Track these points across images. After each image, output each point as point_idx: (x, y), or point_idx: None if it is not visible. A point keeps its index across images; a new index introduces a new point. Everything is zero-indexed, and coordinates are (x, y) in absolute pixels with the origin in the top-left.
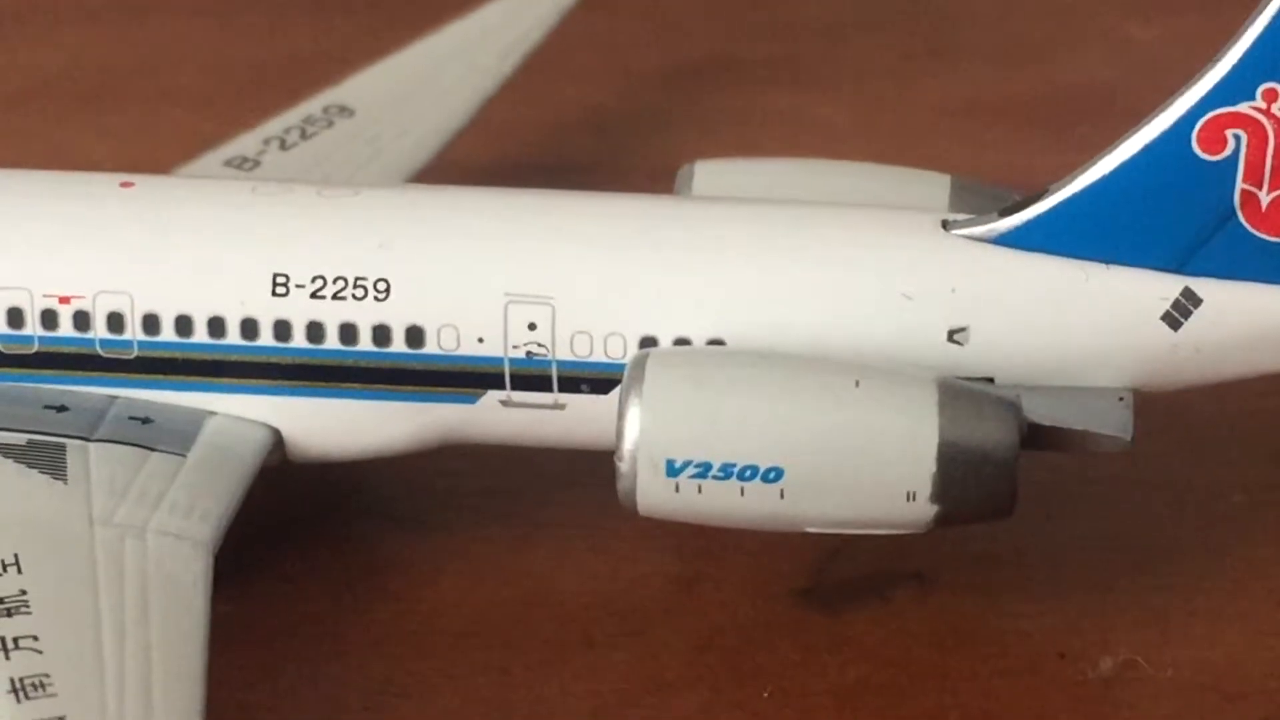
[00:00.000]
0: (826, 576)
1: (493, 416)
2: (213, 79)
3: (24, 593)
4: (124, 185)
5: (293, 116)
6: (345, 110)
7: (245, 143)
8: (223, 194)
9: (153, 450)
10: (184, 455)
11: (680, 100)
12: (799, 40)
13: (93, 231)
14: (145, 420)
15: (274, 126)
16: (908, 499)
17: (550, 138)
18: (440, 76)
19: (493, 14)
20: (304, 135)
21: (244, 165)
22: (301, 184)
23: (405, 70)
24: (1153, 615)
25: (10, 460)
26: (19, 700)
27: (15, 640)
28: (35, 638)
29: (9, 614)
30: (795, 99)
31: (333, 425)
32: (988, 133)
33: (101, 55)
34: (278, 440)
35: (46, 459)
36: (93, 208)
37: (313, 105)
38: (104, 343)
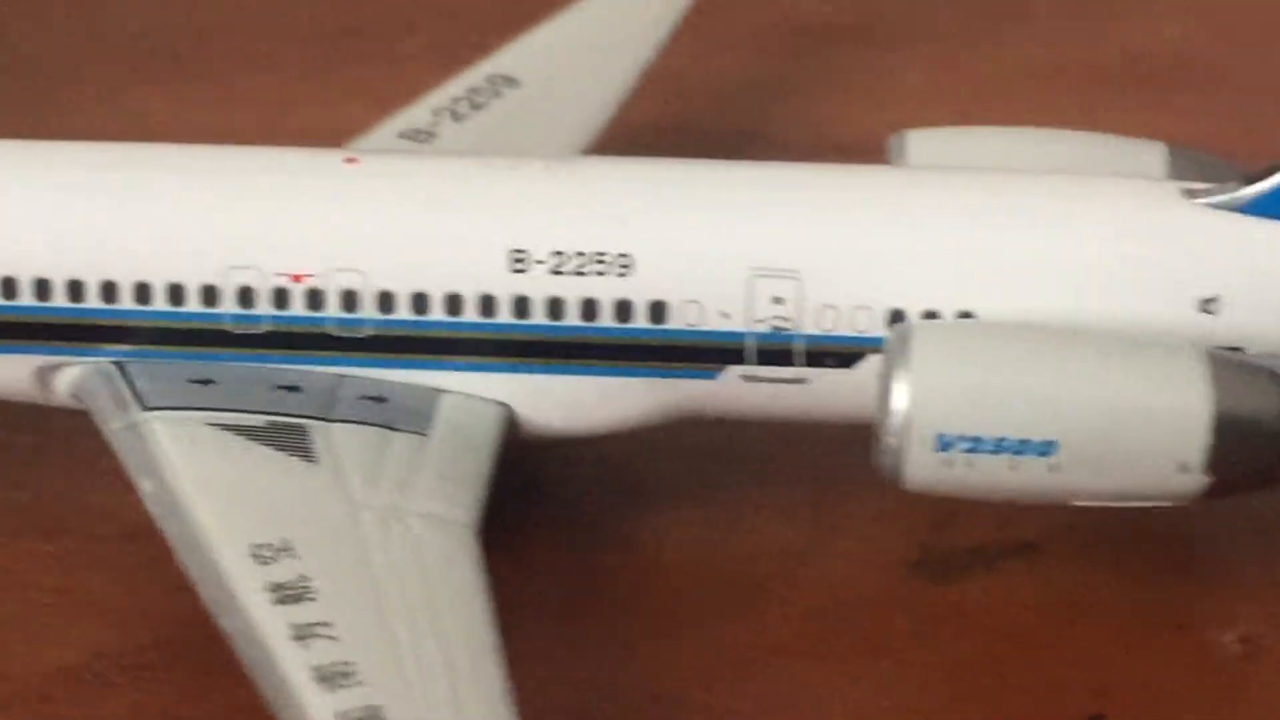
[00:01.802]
0: (936, 547)
1: (733, 392)
2: (290, 44)
3: (305, 579)
4: (348, 161)
5: (456, 87)
6: (510, 80)
7: (415, 115)
8: (449, 170)
9: (394, 430)
10: (425, 435)
11: (759, 66)
12: (878, 2)
13: (320, 210)
14: (379, 399)
15: (440, 98)
16: (1180, 470)
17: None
18: (599, 41)
19: None
20: (474, 105)
21: (418, 138)
22: (525, 159)
23: (563, 36)
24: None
25: (256, 443)
26: (331, 690)
27: (309, 627)
28: (328, 624)
29: (297, 600)
30: (872, 61)
31: (568, 402)
32: (1069, 94)
33: (181, 19)
34: (511, 417)
35: (291, 441)
36: (318, 185)
37: (475, 75)
38: (338, 321)
